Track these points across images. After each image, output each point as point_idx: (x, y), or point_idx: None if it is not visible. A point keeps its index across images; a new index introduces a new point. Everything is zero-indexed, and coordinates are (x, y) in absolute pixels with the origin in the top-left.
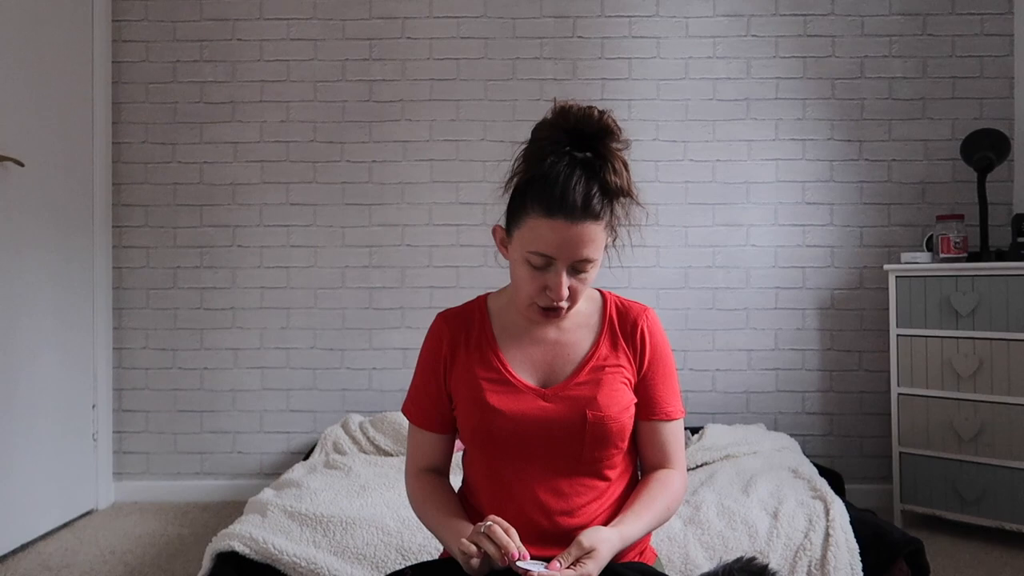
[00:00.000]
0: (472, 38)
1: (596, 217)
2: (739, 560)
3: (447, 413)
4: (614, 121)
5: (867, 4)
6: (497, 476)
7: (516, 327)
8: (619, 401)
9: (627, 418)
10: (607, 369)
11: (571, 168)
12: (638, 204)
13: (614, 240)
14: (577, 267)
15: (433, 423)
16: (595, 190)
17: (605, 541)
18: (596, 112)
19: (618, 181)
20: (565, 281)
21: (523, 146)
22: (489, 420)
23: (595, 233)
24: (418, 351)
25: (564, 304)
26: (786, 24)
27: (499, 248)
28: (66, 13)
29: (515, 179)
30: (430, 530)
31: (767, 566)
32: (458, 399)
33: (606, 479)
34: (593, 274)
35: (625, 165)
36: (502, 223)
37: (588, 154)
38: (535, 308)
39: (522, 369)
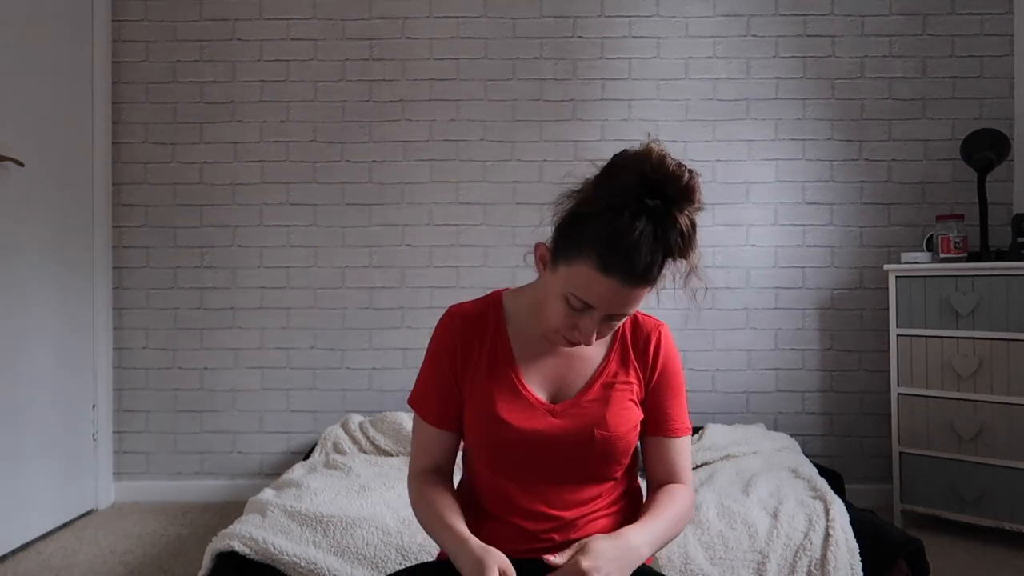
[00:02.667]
0: (472, 38)
1: (652, 283)
2: None
3: (458, 410)
4: (699, 186)
5: (867, 4)
6: (499, 483)
7: (532, 335)
8: (628, 420)
9: (634, 436)
10: (616, 386)
11: (638, 223)
12: (697, 277)
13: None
14: (613, 317)
15: (444, 420)
16: (659, 257)
17: (593, 539)
18: (686, 173)
19: (683, 246)
20: (597, 328)
21: (596, 174)
22: (497, 431)
23: (644, 294)
24: (419, 351)
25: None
26: (786, 24)
27: (537, 264)
28: (66, 13)
29: (574, 206)
30: (428, 533)
31: None
32: (466, 401)
33: (605, 492)
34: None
35: (694, 227)
36: (547, 242)
37: (658, 201)
38: (559, 336)
39: (535, 382)
